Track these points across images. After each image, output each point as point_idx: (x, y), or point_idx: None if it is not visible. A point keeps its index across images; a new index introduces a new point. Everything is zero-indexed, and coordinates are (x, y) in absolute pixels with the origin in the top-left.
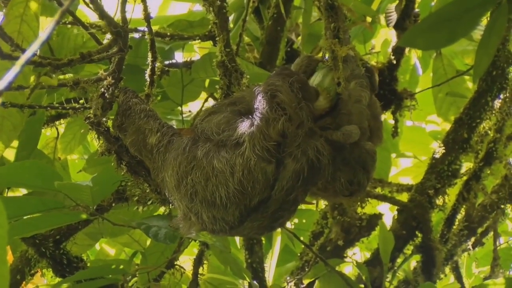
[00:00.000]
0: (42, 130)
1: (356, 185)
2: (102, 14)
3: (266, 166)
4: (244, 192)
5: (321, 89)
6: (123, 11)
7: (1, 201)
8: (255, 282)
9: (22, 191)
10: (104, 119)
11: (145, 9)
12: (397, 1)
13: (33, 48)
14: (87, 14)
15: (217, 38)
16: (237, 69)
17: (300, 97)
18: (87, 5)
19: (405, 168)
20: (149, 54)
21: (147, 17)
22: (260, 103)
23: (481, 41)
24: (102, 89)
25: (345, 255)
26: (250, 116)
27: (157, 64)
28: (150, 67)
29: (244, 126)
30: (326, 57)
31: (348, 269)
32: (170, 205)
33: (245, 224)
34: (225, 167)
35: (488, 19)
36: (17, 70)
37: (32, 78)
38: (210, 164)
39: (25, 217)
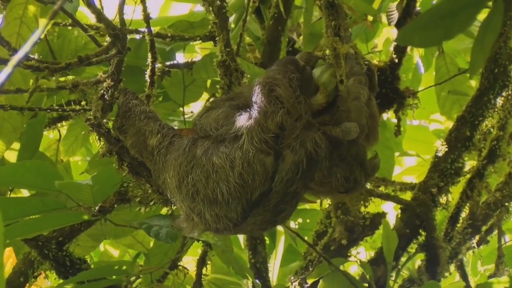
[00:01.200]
0: (45, 133)
1: (352, 182)
2: (100, 16)
3: (264, 157)
4: (244, 186)
5: (318, 84)
6: (121, 13)
7: None
8: (257, 281)
9: (25, 193)
10: (104, 120)
11: (144, 10)
12: (398, 0)
13: (25, 49)
14: (88, 16)
15: (217, 38)
16: (238, 68)
17: (298, 93)
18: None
19: (409, 167)
20: (149, 55)
21: (147, 18)
22: (258, 97)
23: (477, 38)
24: (102, 91)
25: (349, 254)
26: (248, 110)
27: (158, 65)
28: (150, 68)
29: (242, 119)
30: (327, 54)
31: (354, 268)
32: (172, 205)
33: (248, 219)
34: (225, 162)
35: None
36: (8, 71)
37: (31, 81)
38: (209, 161)
39: (26, 218)
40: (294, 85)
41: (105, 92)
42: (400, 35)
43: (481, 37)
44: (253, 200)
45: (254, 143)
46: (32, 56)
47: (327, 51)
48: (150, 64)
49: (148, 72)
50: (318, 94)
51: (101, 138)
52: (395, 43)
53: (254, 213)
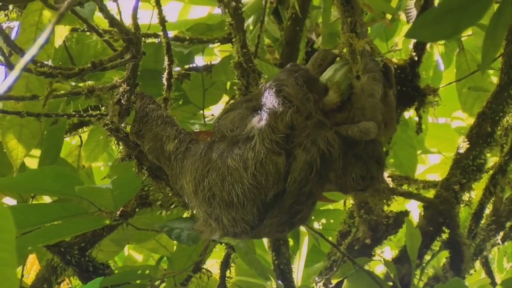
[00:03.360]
0: (67, 139)
1: (369, 180)
2: (113, 21)
3: (276, 158)
4: (258, 186)
5: (331, 83)
6: (135, 18)
7: (7, 206)
8: (279, 282)
9: (48, 200)
10: (122, 124)
11: (160, 13)
12: None
13: (32, 52)
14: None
15: (233, 40)
16: (255, 69)
17: (306, 90)
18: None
19: (433, 165)
20: (165, 58)
21: (162, 21)
22: (267, 99)
23: (487, 32)
24: (118, 96)
25: (373, 253)
26: (260, 112)
27: (178, 68)
28: (167, 71)
29: (254, 121)
30: (343, 51)
31: (381, 268)
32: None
33: (265, 222)
34: (239, 163)
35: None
36: (16, 74)
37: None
38: (225, 164)
39: (47, 224)
40: (301, 82)
41: (121, 97)
42: (410, 30)
43: (492, 31)
44: (268, 201)
45: (265, 144)
46: (46, 62)
47: (344, 49)
48: (166, 67)
49: (165, 75)
50: (331, 93)
51: (120, 142)
52: (415, 41)
53: (270, 215)
